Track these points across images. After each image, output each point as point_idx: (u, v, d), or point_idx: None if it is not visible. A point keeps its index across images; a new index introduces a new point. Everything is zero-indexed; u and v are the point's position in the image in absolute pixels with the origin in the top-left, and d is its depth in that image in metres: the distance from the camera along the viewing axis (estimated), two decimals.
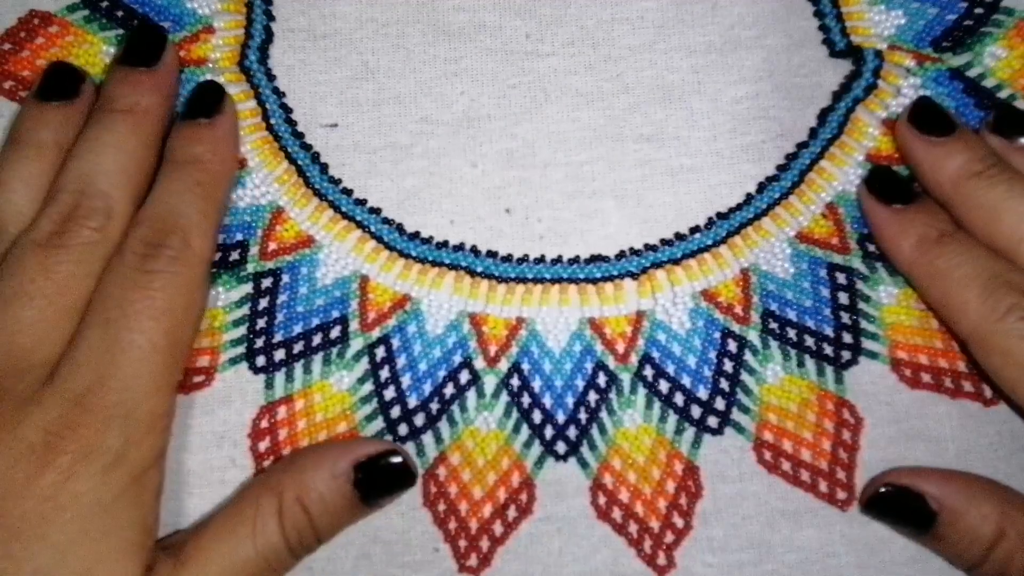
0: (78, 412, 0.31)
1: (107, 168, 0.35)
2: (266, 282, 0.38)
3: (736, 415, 0.37)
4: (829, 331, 0.38)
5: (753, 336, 0.38)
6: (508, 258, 0.39)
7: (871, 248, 0.39)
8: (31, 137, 0.36)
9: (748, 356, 0.38)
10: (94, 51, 0.40)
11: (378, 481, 0.35)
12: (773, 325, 0.38)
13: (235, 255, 0.38)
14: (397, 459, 0.35)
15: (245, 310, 0.38)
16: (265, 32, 0.40)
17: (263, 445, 0.36)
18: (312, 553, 0.35)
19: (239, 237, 0.38)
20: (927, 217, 0.36)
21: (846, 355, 0.38)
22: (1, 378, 0.32)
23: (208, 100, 0.38)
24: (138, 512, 0.32)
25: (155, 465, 0.33)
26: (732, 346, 0.38)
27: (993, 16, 0.41)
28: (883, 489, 0.35)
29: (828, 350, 0.38)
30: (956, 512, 0.34)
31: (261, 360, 0.37)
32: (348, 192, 0.39)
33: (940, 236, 0.36)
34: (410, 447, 0.37)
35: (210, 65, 0.40)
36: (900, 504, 0.35)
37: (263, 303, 0.38)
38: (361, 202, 0.39)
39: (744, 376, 0.38)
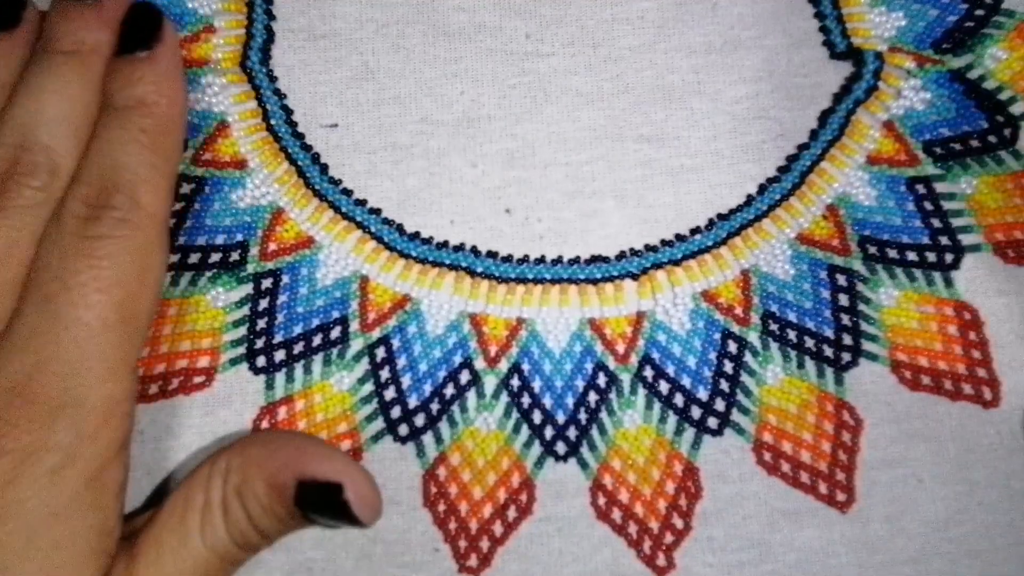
0: (18, 404, 0.27)
1: (49, 117, 0.31)
2: (266, 283, 0.38)
3: (736, 416, 0.37)
4: (829, 333, 0.38)
5: (753, 337, 0.38)
6: (508, 258, 0.39)
7: (872, 250, 0.39)
8: None
9: (748, 357, 0.38)
10: None
11: (318, 506, 0.30)
12: (773, 327, 0.38)
13: (235, 255, 0.38)
14: (343, 494, 0.30)
15: (245, 311, 0.37)
16: (266, 32, 0.40)
17: None
18: (262, 550, 0.32)
19: (239, 237, 0.38)
20: None
21: (846, 357, 0.38)
22: None
23: (144, 28, 0.33)
24: (95, 516, 0.28)
25: (115, 460, 0.29)
26: (732, 347, 0.38)
27: (994, 18, 0.41)
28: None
29: (828, 352, 0.38)
30: None
31: (261, 361, 0.37)
32: (348, 193, 0.39)
33: None
34: (410, 447, 0.37)
35: (212, 65, 0.39)
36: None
37: (263, 304, 0.38)
38: (361, 202, 0.39)
39: (744, 377, 0.37)
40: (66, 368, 0.28)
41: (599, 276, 0.38)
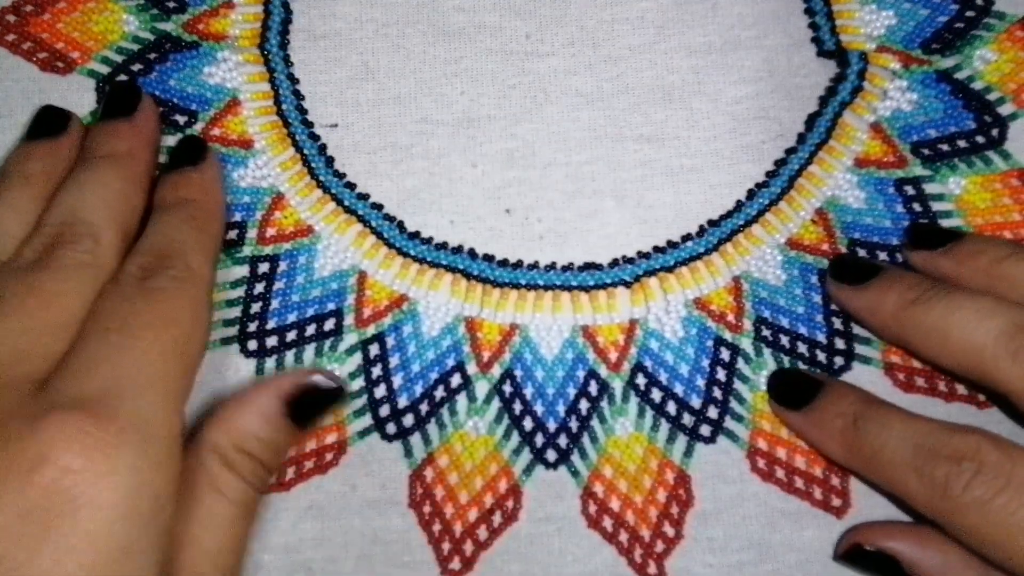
0: (83, 424, 0.26)
1: (90, 202, 0.33)
2: (263, 267, 0.37)
3: (729, 423, 0.36)
4: (822, 337, 0.37)
5: (746, 344, 0.37)
6: (503, 263, 0.38)
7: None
8: (18, 169, 0.35)
9: (741, 364, 0.37)
10: (114, 19, 0.39)
11: (311, 407, 0.32)
12: (766, 332, 0.37)
13: (233, 234, 0.37)
14: (323, 382, 0.32)
15: (240, 292, 0.37)
16: (284, 10, 0.39)
17: None
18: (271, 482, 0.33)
19: (237, 217, 0.37)
20: (836, 407, 0.34)
21: (839, 361, 0.37)
22: None
23: (192, 150, 0.37)
24: (158, 557, 0.27)
25: (172, 500, 0.27)
26: (725, 354, 0.37)
27: (984, 20, 0.40)
28: (863, 547, 0.34)
29: (821, 356, 0.37)
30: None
31: (253, 344, 0.36)
32: (351, 186, 0.38)
33: (855, 420, 0.34)
34: (397, 447, 0.36)
35: (229, 41, 0.39)
36: (874, 563, 0.34)
37: (259, 288, 0.37)
38: (364, 196, 0.38)
39: (737, 384, 0.36)
40: (132, 392, 0.27)
41: (592, 283, 0.37)
